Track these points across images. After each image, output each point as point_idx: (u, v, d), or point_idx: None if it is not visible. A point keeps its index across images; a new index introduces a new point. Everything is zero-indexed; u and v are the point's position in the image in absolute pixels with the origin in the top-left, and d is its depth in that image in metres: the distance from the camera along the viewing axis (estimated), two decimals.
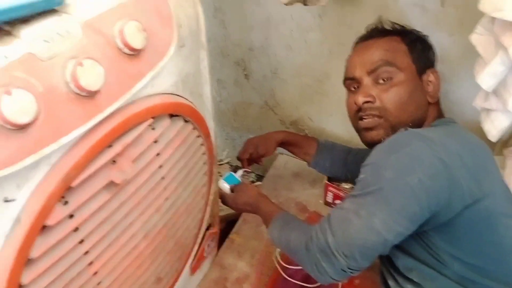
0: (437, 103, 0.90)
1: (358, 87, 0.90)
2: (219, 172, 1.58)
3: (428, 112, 0.88)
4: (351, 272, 0.74)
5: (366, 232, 0.70)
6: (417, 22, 1.05)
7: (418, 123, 0.86)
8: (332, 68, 1.37)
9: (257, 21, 1.41)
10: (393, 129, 0.85)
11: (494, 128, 0.86)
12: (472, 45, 0.86)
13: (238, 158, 1.25)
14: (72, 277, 0.62)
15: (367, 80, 0.88)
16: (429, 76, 0.88)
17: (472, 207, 0.71)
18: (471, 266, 0.74)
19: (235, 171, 1.16)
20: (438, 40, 0.96)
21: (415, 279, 0.79)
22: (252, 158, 1.24)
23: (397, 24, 0.96)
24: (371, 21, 0.98)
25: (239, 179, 1.13)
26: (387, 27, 0.96)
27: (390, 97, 0.85)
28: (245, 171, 1.21)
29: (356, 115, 0.90)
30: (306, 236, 0.80)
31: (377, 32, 0.95)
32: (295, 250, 0.83)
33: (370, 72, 0.87)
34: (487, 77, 0.79)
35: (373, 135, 0.88)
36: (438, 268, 0.76)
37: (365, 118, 0.88)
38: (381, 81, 0.86)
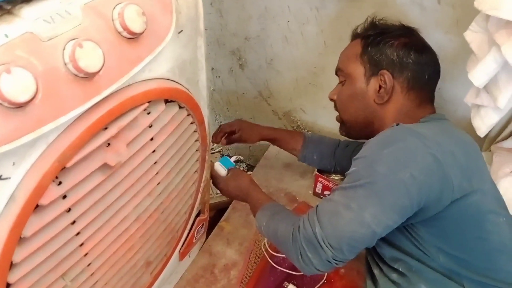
0: (399, 102, 0.89)
1: None
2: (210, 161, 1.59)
3: (383, 111, 0.90)
4: (336, 264, 0.75)
5: (356, 225, 0.72)
6: (414, 20, 1.06)
7: (371, 121, 0.92)
8: (327, 62, 1.38)
9: (255, 11, 1.41)
10: (347, 125, 0.99)
11: (483, 124, 0.88)
12: (466, 43, 0.88)
13: (219, 128, 1.31)
14: (63, 257, 0.63)
15: (338, 80, 1.00)
16: (380, 78, 0.89)
17: (461, 202, 0.72)
18: (457, 260, 0.76)
19: (229, 157, 1.18)
20: (434, 37, 0.97)
21: (400, 269, 0.81)
22: (230, 136, 1.31)
23: (382, 21, 0.97)
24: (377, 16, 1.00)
25: (234, 164, 1.15)
26: (363, 28, 0.99)
27: (339, 97, 0.99)
28: (238, 157, 1.23)
29: None
30: (293, 227, 0.80)
31: (351, 36, 1.02)
32: (282, 240, 0.83)
33: (336, 73, 1.02)
34: (479, 73, 0.80)
35: (340, 129, 1.04)
36: (424, 260, 0.78)
37: None
38: (340, 82, 0.99)
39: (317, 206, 0.79)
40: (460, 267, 0.76)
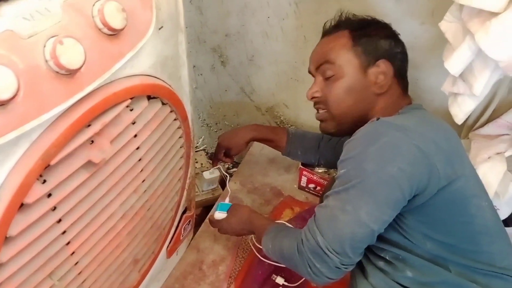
0: (391, 92, 0.90)
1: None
2: (196, 160, 1.60)
3: (377, 102, 0.90)
4: (345, 268, 0.76)
5: (353, 226, 0.73)
6: (390, 11, 1.08)
7: (365, 114, 0.91)
8: (308, 56, 1.38)
9: (234, 7, 1.42)
10: (338, 121, 0.93)
11: (460, 112, 0.90)
12: (442, 33, 0.90)
13: (212, 160, 1.36)
14: (49, 256, 0.63)
15: (317, 76, 0.96)
16: (378, 68, 0.89)
17: (446, 189, 0.74)
18: (444, 245, 0.77)
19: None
20: (410, 28, 0.99)
21: (387, 258, 0.82)
22: (225, 158, 1.34)
23: (356, 16, 0.97)
24: (347, 10, 1.00)
25: (230, 203, 1.14)
26: (340, 21, 0.98)
27: (331, 92, 0.92)
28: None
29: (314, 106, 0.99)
30: (297, 240, 0.81)
31: (328, 28, 1.00)
32: (289, 256, 0.84)
33: (317, 69, 0.96)
34: (455, 62, 0.82)
35: (323, 126, 0.99)
36: (410, 248, 0.79)
37: (317, 111, 0.97)
38: (327, 77, 0.93)
39: (315, 215, 0.79)
40: (446, 252, 0.77)
